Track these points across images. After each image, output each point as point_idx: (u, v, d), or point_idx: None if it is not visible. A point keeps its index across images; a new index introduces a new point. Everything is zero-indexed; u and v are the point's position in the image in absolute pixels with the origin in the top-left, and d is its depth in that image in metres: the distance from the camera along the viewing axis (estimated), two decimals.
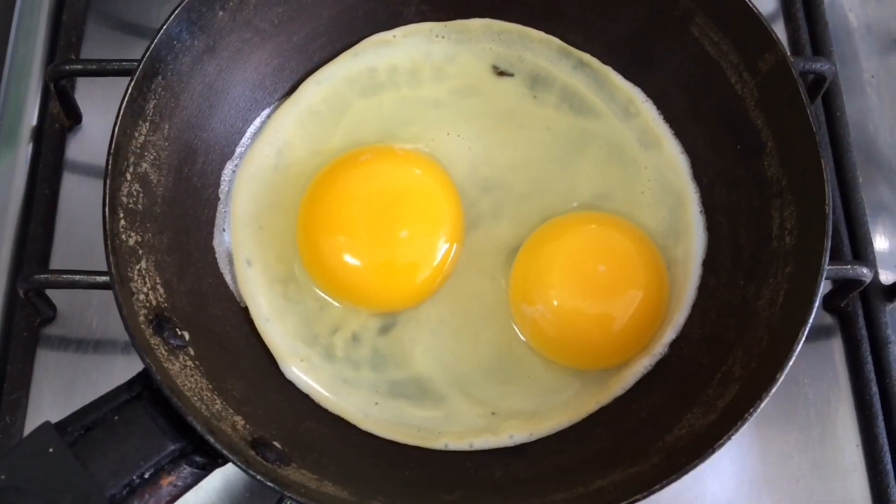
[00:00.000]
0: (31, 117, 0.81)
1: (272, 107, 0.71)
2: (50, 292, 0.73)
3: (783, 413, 0.74)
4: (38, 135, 0.80)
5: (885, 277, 0.77)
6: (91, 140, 0.81)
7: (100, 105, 0.81)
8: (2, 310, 0.74)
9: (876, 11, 0.88)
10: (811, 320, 0.55)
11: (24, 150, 0.80)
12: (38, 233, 0.76)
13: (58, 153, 0.79)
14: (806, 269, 0.57)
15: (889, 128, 0.84)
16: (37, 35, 0.84)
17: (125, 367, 0.73)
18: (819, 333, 0.77)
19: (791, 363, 0.54)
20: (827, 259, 0.56)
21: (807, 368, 0.75)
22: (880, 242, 0.79)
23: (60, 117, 0.80)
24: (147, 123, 0.61)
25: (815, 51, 0.84)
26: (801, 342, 0.54)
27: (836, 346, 0.76)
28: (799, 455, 0.72)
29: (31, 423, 0.72)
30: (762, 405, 0.53)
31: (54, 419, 0.71)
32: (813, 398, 0.74)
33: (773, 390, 0.53)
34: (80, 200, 0.79)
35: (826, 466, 0.72)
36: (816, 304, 0.55)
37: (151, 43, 0.60)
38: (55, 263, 0.76)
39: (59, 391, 0.73)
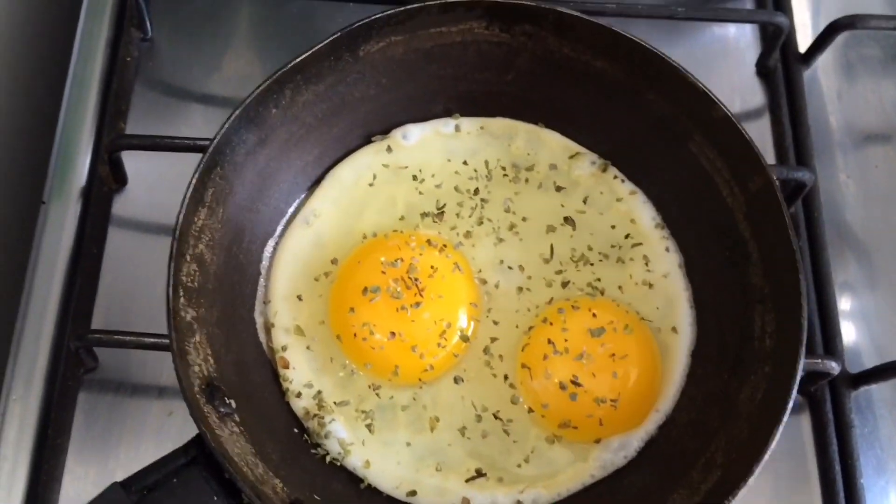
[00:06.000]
0: (81, 178, 0.87)
1: (310, 189, 0.79)
2: None
3: (754, 484, 0.81)
4: (87, 195, 0.86)
5: (850, 363, 0.84)
6: (135, 202, 0.87)
7: (144, 170, 0.88)
8: (49, 359, 0.80)
9: (851, 112, 0.97)
10: (785, 419, 0.62)
11: (74, 208, 0.86)
12: (84, 289, 0.83)
13: (104, 213, 0.86)
14: (782, 373, 0.65)
15: (860, 217, 0.92)
16: (88, 102, 0.90)
17: (159, 413, 0.80)
18: (790, 412, 0.85)
19: (767, 457, 0.62)
20: (801, 366, 0.64)
21: (778, 443, 0.83)
22: (848, 330, 0.86)
23: (109, 180, 0.86)
24: (205, 209, 0.68)
25: (798, 156, 0.92)
26: (777, 439, 0.62)
27: (806, 424, 0.83)
28: None
29: (72, 467, 0.78)
30: (740, 493, 0.61)
31: (93, 464, 0.79)
32: (783, 472, 0.81)
33: (751, 481, 0.61)
34: (124, 258, 0.85)
35: None
36: (790, 405, 0.63)
37: (214, 139, 0.68)
38: (97, 316, 0.83)
39: (98, 435, 0.79)
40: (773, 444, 0.62)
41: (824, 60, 0.99)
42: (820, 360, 0.78)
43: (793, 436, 0.83)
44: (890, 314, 0.88)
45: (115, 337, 0.75)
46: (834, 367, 0.78)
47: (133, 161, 0.87)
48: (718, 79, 0.98)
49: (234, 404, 0.65)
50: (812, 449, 0.82)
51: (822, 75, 0.99)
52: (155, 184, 0.88)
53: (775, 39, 0.94)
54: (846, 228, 0.92)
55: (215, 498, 0.59)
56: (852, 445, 0.81)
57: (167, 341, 0.64)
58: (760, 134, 0.96)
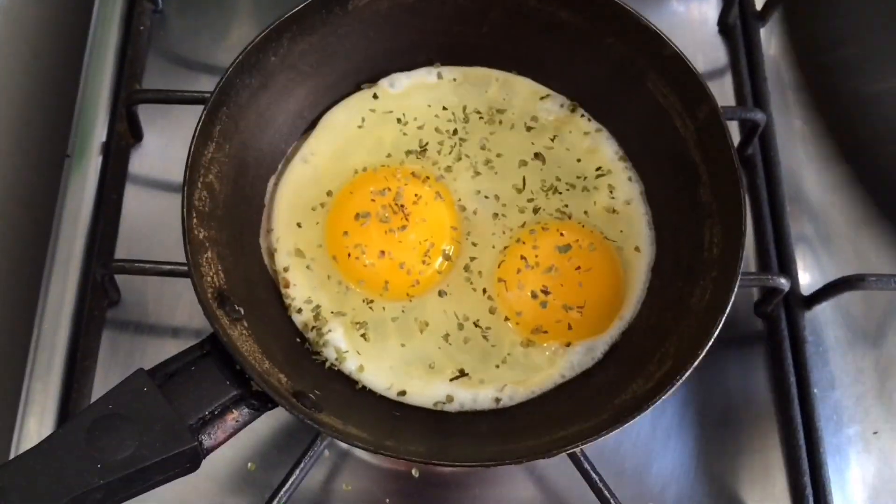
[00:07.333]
0: (101, 135, 0.96)
1: (306, 130, 0.87)
2: (116, 280, 0.89)
3: (718, 405, 0.89)
4: (107, 150, 0.96)
5: (805, 290, 0.93)
6: (150, 156, 0.96)
7: (158, 126, 0.97)
8: (77, 292, 0.89)
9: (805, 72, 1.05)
10: (728, 309, 0.70)
11: (95, 162, 0.95)
12: (107, 230, 0.92)
13: (122, 166, 0.95)
14: (726, 274, 0.73)
15: (815, 169, 1.00)
16: (105, 67, 0.99)
17: (174, 348, 0.88)
18: (750, 337, 0.92)
19: (711, 342, 0.70)
20: (741, 266, 0.72)
21: (738, 368, 0.91)
22: (802, 263, 0.94)
23: (126, 135, 0.96)
24: (213, 143, 0.77)
25: (755, 101, 1.01)
26: (720, 327, 0.70)
27: (764, 351, 0.91)
28: (729, 436, 0.88)
29: (98, 388, 0.87)
30: (687, 374, 0.69)
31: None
32: (742, 391, 0.90)
33: (697, 363, 0.69)
34: (141, 205, 0.94)
35: (751, 450, 0.87)
36: (732, 298, 0.71)
37: (220, 81, 0.76)
38: (119, 255, 0.92)
39: (120, 363, 0.88)
40: (717, 332, 0.70)
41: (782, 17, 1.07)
42: (770, 277, 0.86)
43: (752, 361, 0.91)
44: (839, 243, 0.96)
45: (137, 265, 0.83)
46: (783, 283, 0.86)
47: (147, 119, 0.96)
48: (683, 38, 1.05)
49: (242, 311, 0.73)
50: (768, 372, 0.90)
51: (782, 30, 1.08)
52: (168, 139, 0.97)
53: None
54: (801, 168, 1.00)
55: (227, 383, 0.67)
56: (805, 357, 0.89)
57: (183, 268, 0.73)
58: (723, 86, 1.05)
